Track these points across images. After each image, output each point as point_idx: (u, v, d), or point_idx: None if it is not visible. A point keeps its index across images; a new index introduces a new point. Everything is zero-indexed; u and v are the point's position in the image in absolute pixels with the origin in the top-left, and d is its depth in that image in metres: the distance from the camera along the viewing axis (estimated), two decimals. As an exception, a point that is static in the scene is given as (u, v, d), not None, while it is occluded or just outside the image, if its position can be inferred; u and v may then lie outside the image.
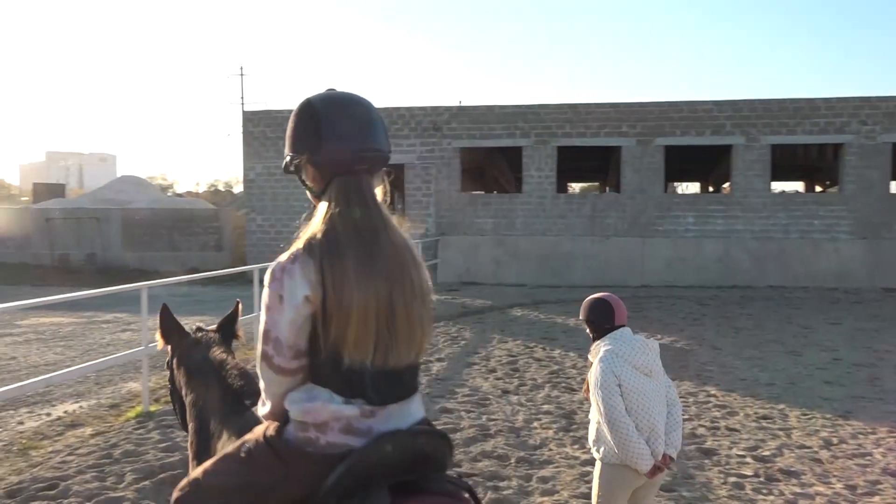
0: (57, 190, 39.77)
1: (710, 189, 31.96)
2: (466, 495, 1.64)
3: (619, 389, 3.32)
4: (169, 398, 2.61)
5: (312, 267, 1.55)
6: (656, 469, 3.36)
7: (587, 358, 3.82)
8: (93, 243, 24.83)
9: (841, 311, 14.93)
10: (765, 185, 20.74)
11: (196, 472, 1.73)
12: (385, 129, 1.75)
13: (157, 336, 2.35)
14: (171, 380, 2.34)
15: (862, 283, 19.11)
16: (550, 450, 6.10)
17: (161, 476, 5.30)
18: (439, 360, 9.87)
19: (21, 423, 7.01)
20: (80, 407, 7.59)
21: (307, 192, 1.77)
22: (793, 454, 5.92)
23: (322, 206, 1.69)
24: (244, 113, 23.44)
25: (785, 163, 24.65)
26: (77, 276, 21.61)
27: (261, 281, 4.21)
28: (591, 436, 3.60)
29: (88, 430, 6.50)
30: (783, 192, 25.30)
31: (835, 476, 5.41)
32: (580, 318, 3.69)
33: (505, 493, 5.14)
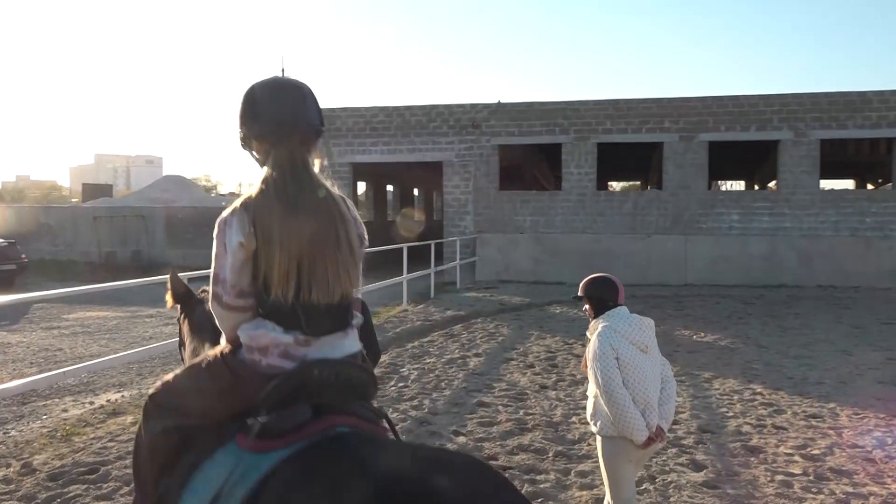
0: (104, 190, 40.93)
1: (756, 188, 31.20)
2: (383, 423, 1.88)
3: (617, 363, 3.49)
4: None
5: (246, 219, 1.84)
6: (650, 440, 3.52)
7: (583, 343, 3.93)
8: (138, 241, 25.41)
9: (895, 311, 14.38)
10: (813, 181, 20.13)
11: (168, 376, 2.04)
12: (316, 106, 2.03)
13: (168, 297, 2.56)
14: (179, 334, 2.61)
15: (917, 282, 18.39)
16: (589, 445, 5.95)
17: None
18: (476, 355, 9.78)
19: (65, 410, 7.15)
20: (122, 396, 7.71)
21: (256, 163, 2.03)
22: (844, 454, 5.67)
23: (261, 172, 1.97)
24: (285, 112, 23.72)
25: (835, 160, 23.92)
26: (123, 273, 22.13)
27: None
28: (589, 410, 3.77)
29: (129, 419, 6.59)
30: (832, 189, 24.52)
31: (889, 476, 5.15)
32: (580, 294, 3.83)
33: (542, 486, 5.03)
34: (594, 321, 3.72)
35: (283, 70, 56.07)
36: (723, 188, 38.84)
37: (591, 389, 3.69)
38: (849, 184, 33.61)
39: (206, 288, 2.22)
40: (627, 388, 3.49)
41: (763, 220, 20.14)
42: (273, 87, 1.99)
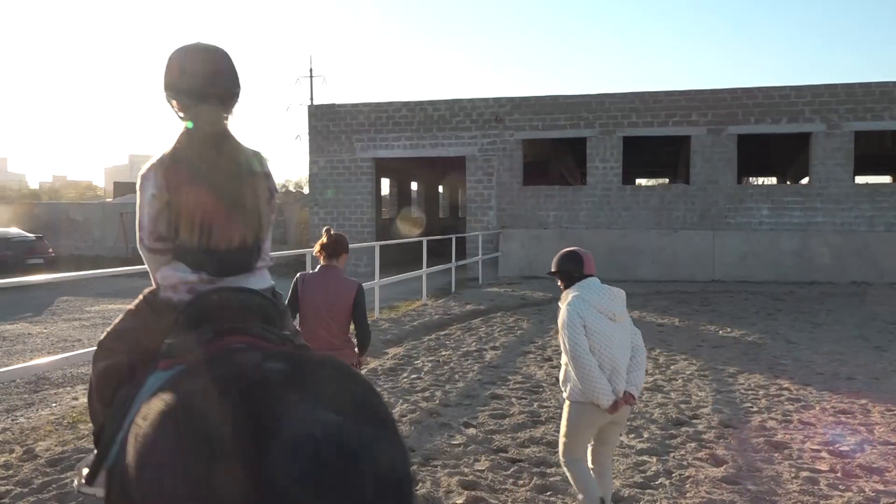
0: (134, 188, 41.44)
1: (788, 184, 30.45)
2: (288, 345, 1.99)
3: (584, 330, 3.61)
4: None
5: (160, 174, 2.06)
6: (616, 405, 3.61)
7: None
8: (165, 236, 25.56)
9: (932, 307, 13.82)
10: (847, 174, 19.51)
11: (113, 323, 2.24)
12: (233, 71, 2.20)
13: None
14: None
15: (957, 279, 17.71)
16: (604, 438, 5.73)
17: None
18: (493, 348, 9.58)
19: (76, 398, 7.11)
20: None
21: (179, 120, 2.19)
22: (875, 451, 5.36)
23: (179, 129, 2.15)
24: (308, 107, 23.71)
25: (870, 152, 23.19)
26: (149, 268, 22.29)
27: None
28: (561, 377, 3.87)
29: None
30: (867, 182, 23.76)
31: (924, 474, 4.84)
32: (552, 270, 3.97)
33: (552, 479, 4.82)
34: (565, 292, 3.85)
35: (311, 70, 56.32)
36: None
37: (564, 357, 3.80)
38: (884, 179, 32.64)
39: None
40: (594, 355, 3.60)
41: (794, 214, 19.59)
42: (193, 52, 2.18)
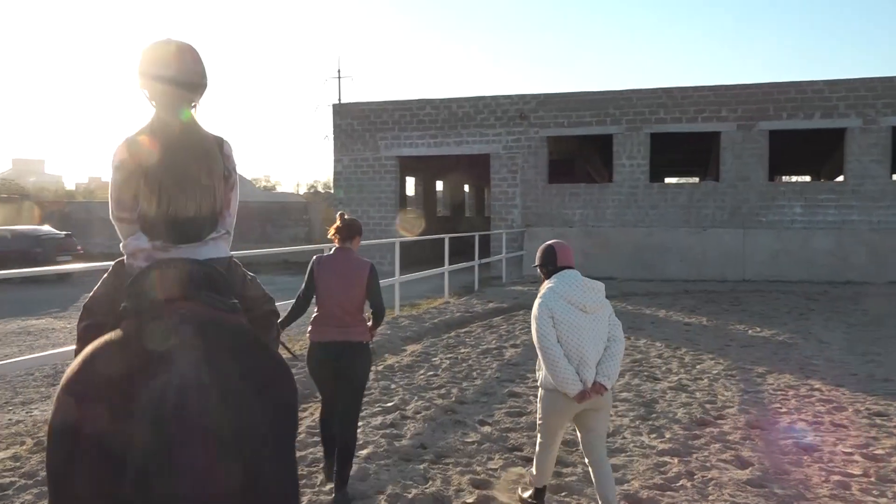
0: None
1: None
2: (233, 314, 2.22)
3: (552, 321, 3.70)
4: None
5: (125, 148, 2.34)
6: (584, 394, 3.67)
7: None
8: (192, 235, 25.75)
9: (974, 307, 13.28)
10: (884, 171, 18.92)
11: (93, 289, 2.44)
12: (199, 64, 2.42)
13: None
14: None
15: None
16: (624, 438, 5.52)
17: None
18: (514, 346, 9.40)
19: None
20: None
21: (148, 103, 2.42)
22: (913, 454, 5.07)
23: (151, 113, 2.40)
24: (333, 106, 23.71)
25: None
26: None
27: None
28: (537, 364, 3.97)
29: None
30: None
31: (966, 480, 4.56)
32: (534, 264, 4.10)
33: (567, 479, 4.64)
34: (543, 284, 3.95)
35: (339, 71, 57.17)
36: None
37: None
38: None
39: None
40: (562, 345, 3.69)
41: (829, 213, 19.05)
42: (166, 46, 2.39)
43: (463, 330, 10.76)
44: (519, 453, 5.16)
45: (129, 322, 2.12)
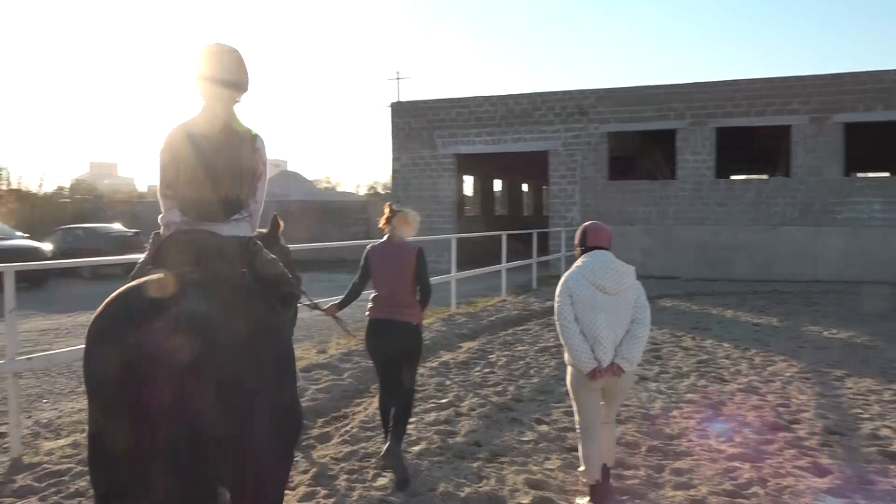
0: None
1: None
2: (237, 279, 2.58)
3: (570, 299, 3.83)
4: None
5: (171, 137, 2.70)
6: (596, 373, 3.76)
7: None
8: (253, 233, 26.24)
9: None
10: (973, 165, 17.71)
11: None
12: (242, 67, 2.80)
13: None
14: None
15: None
16: (690, 441, 5.22)
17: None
18: (573, 344, 9.12)
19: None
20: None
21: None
22: None
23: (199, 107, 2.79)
24: (391, 105, 23.76)
25: None
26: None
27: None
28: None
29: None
30: None
31: None
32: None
33: (630, 482, 4.39)
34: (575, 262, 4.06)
35: (398, 73, 57.45)
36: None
37: None
38: None
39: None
40: (579, 324, 3.79)
41: (910, 209, 17.95)
42: (215, 49, 2.77)
43: (520, 328, 10.54)
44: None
45: (145, 275, 2.50)
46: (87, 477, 4.33)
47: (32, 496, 4.11)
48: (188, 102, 2.90)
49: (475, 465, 4.70)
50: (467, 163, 24.44)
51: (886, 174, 28.71)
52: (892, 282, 16.80)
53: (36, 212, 25.68)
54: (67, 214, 26.14)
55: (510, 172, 31.29)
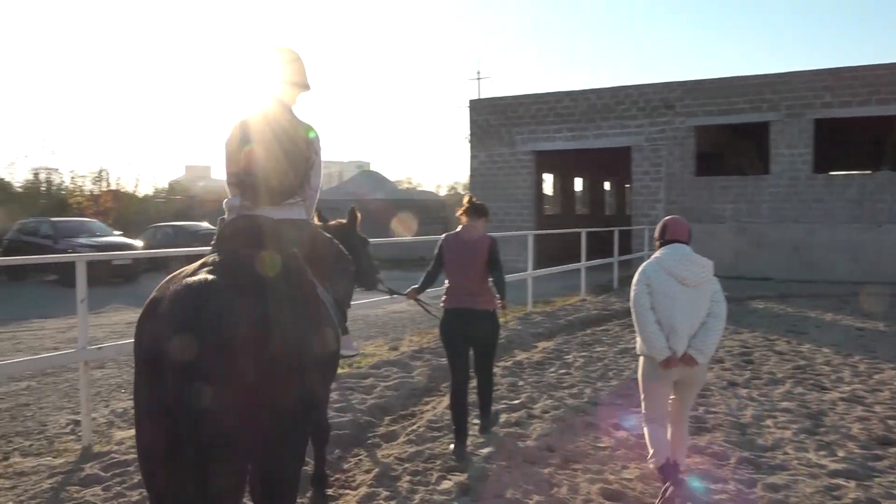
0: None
1: None
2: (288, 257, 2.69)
3: (648, 288, 3.88)
4: None
5: (234, 131, 2.93)
6: (669, 362, 3.79)
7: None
8: (334, 232, 26.64)
9: None
10: None
11: None
12: (299, 68, 3.07)
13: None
14: None
15: None
16: (786, 454, 4.75)
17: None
18: (655, 346, 8.64)
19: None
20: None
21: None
22: None
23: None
24: (470, 102, 23.59)
25: None
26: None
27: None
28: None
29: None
30: None
31: None
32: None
33: (718, 497, 3.99)
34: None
35: (478, 72, 57.42)
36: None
37: None
38: None
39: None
40: (655, 313, 3.84)
41: None
42: (277, 52, 3.05)
43: (599, 328, 10.12)
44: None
45: (206, 261, 2.57)
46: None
47: (97, 485, 4.11)
48: (253, 99, 3.07)
49: (546, 471, 4.41)
50: (547, 160, 23.96)
51: None
52: None
53: (131, 211, 26.93)
54: (161, 214, 27.31)
55: (592, 170, 30.54)
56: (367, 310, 12.02)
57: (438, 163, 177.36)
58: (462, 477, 4.27)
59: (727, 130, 21.52)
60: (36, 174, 28.06)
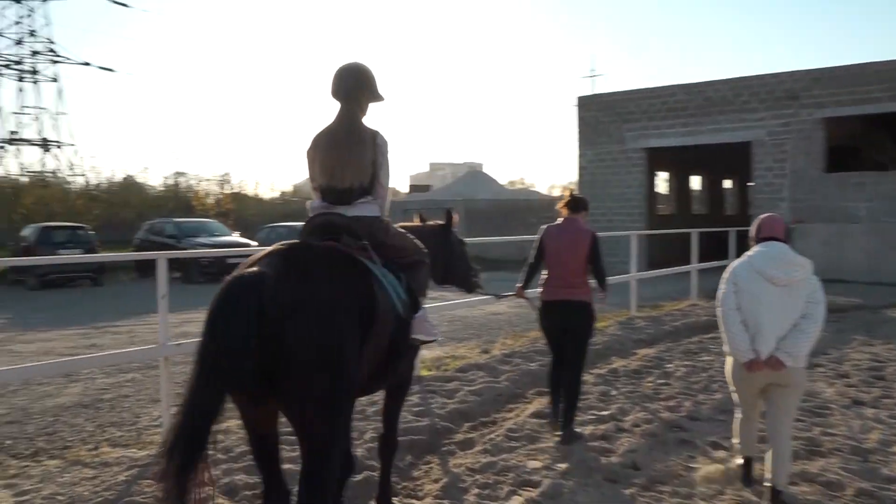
0: (423, 189, 45.20)
1: None
2: (364, 245, 3.11)
3: (735, 287, 3.77)
4: None
5: (311, 143, 3.33)
6: (753, 364, 3.66)
7: None
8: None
9: None
10: None
11: None
12: (359, 79, 3.34)
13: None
14: None
15: None
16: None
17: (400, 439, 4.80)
18: (769, 356, 7.90)
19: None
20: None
21: None
22: None
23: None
24: (578, 99, 22.95)
25: None
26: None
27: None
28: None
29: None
30: None
31: None
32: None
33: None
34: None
35: (592, 70, 56.26)
36: None
37: None
38: None
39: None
40: (741, 313, 3.71)
41: None
42: (343, 68, 3.33)
43: (708, 335, 9.41)
44: (760, 486, 4.05)
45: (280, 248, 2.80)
46: (224, 466, 4.32)
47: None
48: (329, 111, 3.49)
49: (628, 491, 4.04)
50: (659, 158, 22.89)
51: None
52: None
53: (251, 212, 28.30)
54: (279, 215, 28.53)
55: (709, 168, 28.94)
56: (464, 311, 11.88)
57: (552, 163, 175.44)
58: (533, 493, 3.98)
59: (862, 122, 19.67)
60: (167, 178, 30.16)
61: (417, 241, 3.57)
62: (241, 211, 27.45)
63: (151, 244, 19.08)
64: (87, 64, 46.86)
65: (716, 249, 15.59)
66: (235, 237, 20.02)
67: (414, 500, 4.01)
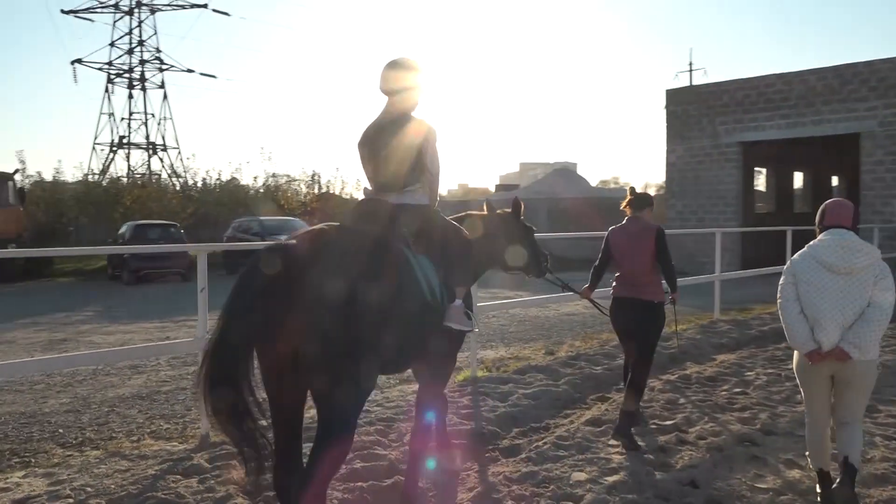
0: (510, 188, 44.79)
1: None
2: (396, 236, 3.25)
3: (794, 278, 3.65)
4: None
5: (362, 137, 3.54)
6: (814, 355, 3.53)
7: None
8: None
9: None
10: None
11: None
12: (404, 74, 3.47)
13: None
14: None
15: None
16: None
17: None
18: (868, 366, 7.11)
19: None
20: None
21: None
22: None
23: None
24: (667, 92, 21.95)
25: None
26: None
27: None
28: None
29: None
30: None
31: None
32: None
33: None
34: None
35: (690, 64, 54.07)
36: None
37: None
38: None
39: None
40: (801, 303, 3.58)
41: None
42: (390, 64, 3.48)
43: (799, 341, 8.63)
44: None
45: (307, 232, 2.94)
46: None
47: (195, 476, 4.08)
48: (377, 103, 3.55)
49: (680, 512, 3.61)
50: (757, 152, 21.56)
51: None
52: None
53: (336, 211, 28.82)
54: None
55: (813, 163, 27.05)
56: (536, 311, 11.49)
57: (647, 161, 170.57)
58: (571, 509, 3.63)
59: None
60: (256, 178, 31.15)
61: (465, 233, 3.70)
62: (327, 209, 27.97)
63: (237, 241, 19.69)
64: (190, 71, 49.08)
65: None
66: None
67: (443, 510, 3.74)
